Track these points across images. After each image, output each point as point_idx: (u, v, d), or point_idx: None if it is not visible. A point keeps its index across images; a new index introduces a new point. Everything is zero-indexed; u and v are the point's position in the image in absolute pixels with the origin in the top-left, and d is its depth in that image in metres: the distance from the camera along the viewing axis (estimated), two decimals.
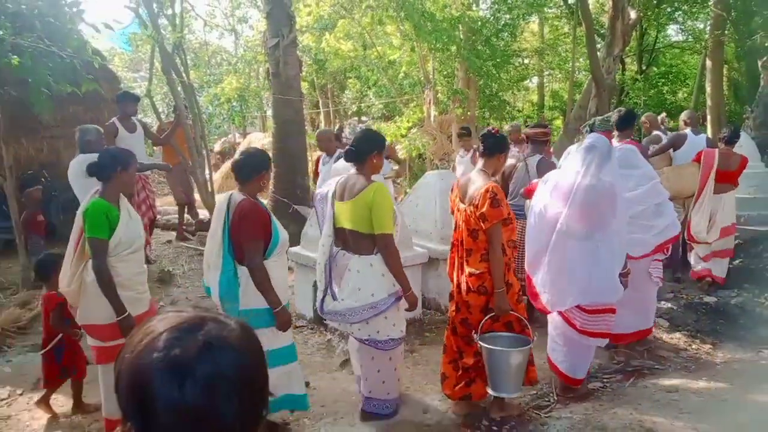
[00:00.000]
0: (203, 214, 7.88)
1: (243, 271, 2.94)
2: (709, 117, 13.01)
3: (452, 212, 3.47)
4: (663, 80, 18.77)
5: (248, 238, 2.91)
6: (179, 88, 7.28)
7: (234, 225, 2.93)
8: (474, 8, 13.19)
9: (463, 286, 3.30)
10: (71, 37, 5.69)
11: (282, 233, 3.08)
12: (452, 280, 3.45)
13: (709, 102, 13.22)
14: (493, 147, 3.34)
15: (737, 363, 4.19)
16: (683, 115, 6.65)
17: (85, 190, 4.71)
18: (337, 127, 20.62)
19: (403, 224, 4.35)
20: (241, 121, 20.14)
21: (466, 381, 3.40)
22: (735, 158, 5.61)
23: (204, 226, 7.72)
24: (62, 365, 3.45)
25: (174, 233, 7.79)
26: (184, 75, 7.28)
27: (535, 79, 21.40)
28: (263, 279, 2.92)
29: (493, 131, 3.44)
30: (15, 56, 5.01)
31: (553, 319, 3.65)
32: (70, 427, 3.40)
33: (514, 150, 7.13)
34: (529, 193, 4.00)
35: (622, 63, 15.25)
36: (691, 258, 5.77)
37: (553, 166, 4.39)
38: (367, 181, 3.15)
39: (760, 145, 8.51)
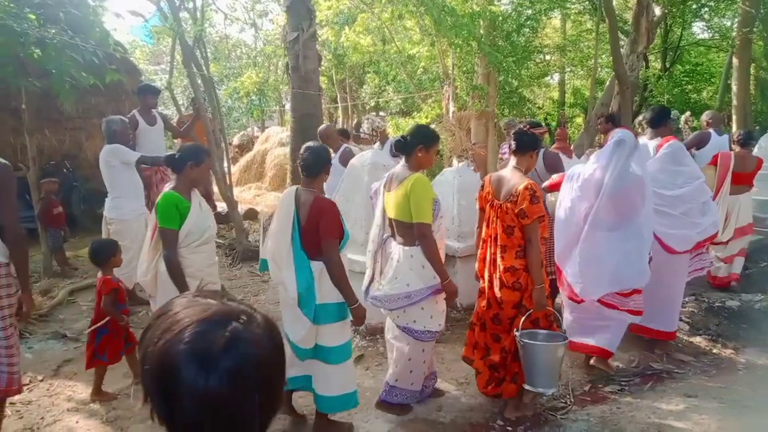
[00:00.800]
0: (221, 206, 7.93)
1: (316, 267, 2.98)
2: (734, 117, 12.74)
3: (482, 209, 3.50)
4: (687, 78, 18.41)
5: (327, 235, 2.94)
6: (199, 81, 7.32)
7: (310, 222, 2.96)
8: (495, 3, 13.04)
9: (496, 282, 3.32)
10: (94, 28, 5.75)
11: (348, 229, 3.16)
12: (482, 277, 3.48)
13: (734, 101, 12.94)
14: (526, 144, 3.38)
15: (760, 368, 4.10)
16: (705, 116, 6.54)
17: (111, 179, 4.80)
18: (354, 121, 20.63)
19: (448, 216, 4.47)
20: (260, 115, 20.25)
21: (496, 380, 3.43)
22: (751, 160, 5.65)
23: (221, 218, 7.78)
24: (97, 348, 3.55)
25: None
26: (204, 68, 7.31)
27: (557, 76, 21.15)
28: (342, 275, 2.97)
29: (525, 129, 3.47)
30: (39, 48, 5.07)
31: (584, 306, 3.74)
32: (89, 415, 3.45)
33: (504, 147, 7.04)
34: (552, 188, 4.03)
35: (645, 60, 15.00)
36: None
37: (557, 157, 4.50)
38: (409, 172, 3.22)
39: None
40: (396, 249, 3.27)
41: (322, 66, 11.83)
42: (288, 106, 15.45)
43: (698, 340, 4.54)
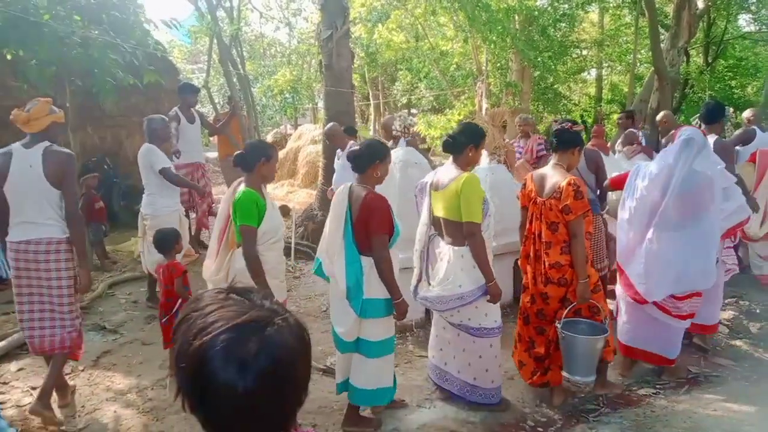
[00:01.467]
0: None
1: (366, 262, 3.02)
2: None
3: (524, 206, 3.55)
4: (731, 73, 17.75)
5: (377, 231, 2.96)
6: (235, 80, 7.45)
7: (361, 217, 2.99)
8: None
9: (540, 278, 3.38)
10: (134, 29, 5.92)
11: (398, 226, 3.16)
12: (525, 272, 3.54)
13: None
14: (568, 142, 3.42)
15: None
16: (747, 113, 6.40)
17: (147, 176, 4.93)
18: (384, 119, 20.64)
19: (497, 215, 4.41)
20: (293, 113, 20.46)
21: (542, 370, 3.50)
22: None
23: None
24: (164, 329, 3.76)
25: None
26: (240, 67, 7.44)
27: (593, 72, 20.68)
28: (389, 271, 2.99)
29: (567, 126, 3.49)
30: (82, 48, 5.25)
31: (639, 310, 3.71)
32: (126, 405, 3.56)
33: (519, 143, 6.91)
34: (614, 185, 4.03)
35: (686, 55, 14.53)
36: (751, 261, 5.59)
37: (599, 155, 4.53)
38: (458, 172, 3.23)
39: None
40: (445, 249, 3.27)
41: (354, 64, 11.87)
42: (321, 104, 15.56)
43: (738, 344, 4.39)
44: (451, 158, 3.35)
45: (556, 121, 6.22)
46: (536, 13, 12.39)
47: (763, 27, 17.88)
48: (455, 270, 3.20)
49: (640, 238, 3.59)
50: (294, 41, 20.47)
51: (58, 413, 3.39)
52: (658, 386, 3.77)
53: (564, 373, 3.35)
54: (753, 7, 16.72)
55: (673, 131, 5.74)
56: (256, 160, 3.11)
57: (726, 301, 5.02)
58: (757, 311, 4.94)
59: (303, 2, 18.68)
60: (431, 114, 16.51)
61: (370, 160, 3.06)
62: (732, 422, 3.23)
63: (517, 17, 12.13)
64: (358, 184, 3.10)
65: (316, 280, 6.03)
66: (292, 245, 6.62)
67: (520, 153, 6.71)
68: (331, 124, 6.27)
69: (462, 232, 3.18)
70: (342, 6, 7.24)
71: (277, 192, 12.01)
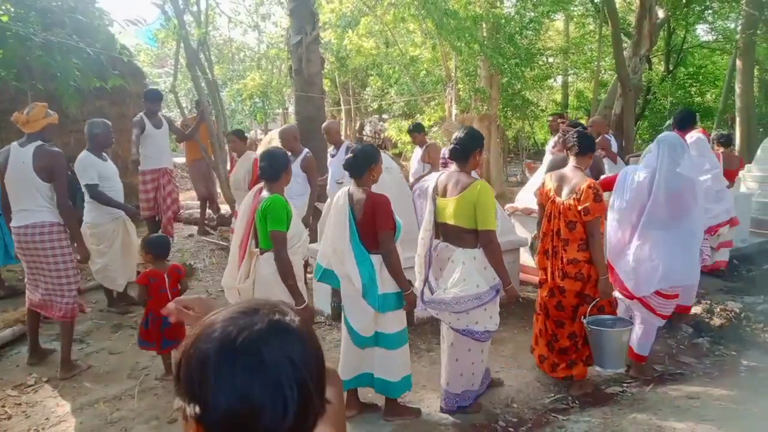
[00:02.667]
0: (225, 209, 7.96)
1: (376, 259, 3.15)
2: (738, 119, 12.72)
3: (541, 205, 3.80)
4: (691, 81, 18.37)
5: (383, 228, 3.11)
6: (203, 84, 7.36)
7: (366, 217, 3.13)
8: (498, 6, 13.05)
9: (558, 272, 3.60)
10: (99, 33, 5.81)
11: (399, 221, 3.28)
12: (543, 268, 3.75)
13: (738, 103, 12.93)
14: (586, 146, 3.66)
15: (762, 371, 4.10)
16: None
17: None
18: (358, 125, 20.63)
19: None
20: (263, 118, 20.29)
21: (567, 363, 3.70)
22: (735, 159, 6.51)
23: (225, 220, 7.81)
24: (164, 334, 3.68)
25: (195, 227, 7.89)
26: (208, 71, 7.36)
27: (560, 79, 21.13)
28: (398, 264, 3.16)
29: (585, 131, 3.74)
30: (44, 52, 5.12)
31: (629, 306, 3.93)
32: (94, 415, 3.48)
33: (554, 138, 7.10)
34: (604, 186, 4.19)
35: (648, 63, 14.97)
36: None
37: (600, 160, 4.80)
38: (470, 179, 3.29)
39: None
40: (458, 251, 3.29)
41: (325, 69, 11.87)
42: (291, 109, 15.49)
43: (701, 342, 4.54)
44: (454, 165, 3.40)
45: (564, 122, 6.39)
46: (503, 21, 12.59)
47: (719, 36, 18.56)
48: (470, 271, 3.24)
49: (629, 237, 3.80)
50: (263, 46, 20.35)
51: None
52: (625, 384, 3.86)
53: (596, 368, 3.60)
54: (709, 18, 17.35)
55: (602, 135, 6.13)
56: (284, 168, 3.20)
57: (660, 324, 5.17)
58: (718, 310, 5.11)
59: (272, 7, 18.53)
60: (402, 119, 16.59)
61: (366, 165, 3.19)
62: (695, 418, 3.34)
63: (484, 25, 12.30)
64: (357, 187, 3.22)
65: None
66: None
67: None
68: (286, 126, 6.20)
69: (469, 236, 3.25)
70: (311, 12, 7.25)
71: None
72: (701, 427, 3.23)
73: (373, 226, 3.11)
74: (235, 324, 0.78)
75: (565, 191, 3.56)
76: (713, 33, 19.07)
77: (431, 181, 3.58)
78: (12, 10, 5.05)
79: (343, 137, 7.62)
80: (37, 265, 3.89)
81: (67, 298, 3.91)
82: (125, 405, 3.59)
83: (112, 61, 6.00)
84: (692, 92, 18.30)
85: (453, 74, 12.76)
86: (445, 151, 7.28)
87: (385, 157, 5.25)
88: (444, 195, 3.38)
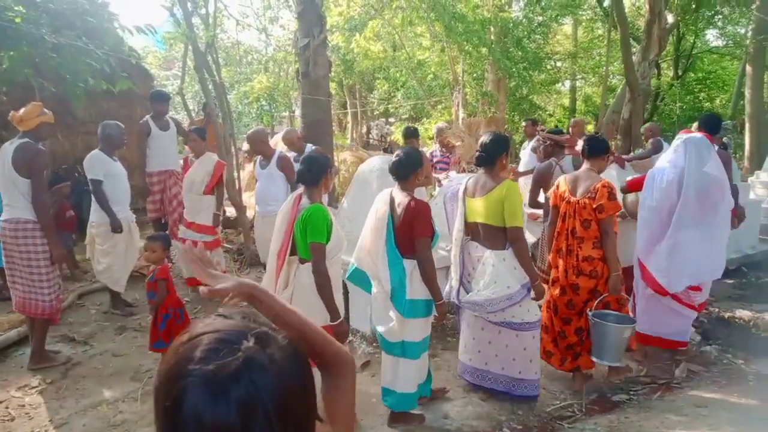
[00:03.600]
0: (230, 211, 7.97)
1: (408, 264, 3.16)
2: (747, 125, 12.63)
3: (555, 206, 3.92)
4: (700, 86, 18.30)
5: (421, 235, 3.10)
6: (210, 87, 7.38)
7: (405, 222, 3.12)
8: (506, 10, 13.04)
9: (572, 270, 3.72)
10: (108, 35, 5.83)
11: (438, 229, 3.29)
12: (555, 267, 3.87)
13: (748, 109, 12.85)
14: (598, 149, 3.82)
15: None
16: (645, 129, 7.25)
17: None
18: (364, 128, 20.65)
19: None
20: (270, 121, 20.36)
21: (572, 355, 3.83)
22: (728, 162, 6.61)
23: (230, 223, 7.81)
24: (161, 334, 3.67)
25: None
26: (215, 74, 7.38)
27: (567, 83, 21.08)
28: (432, 272, 3.14)
29: (597, 135, 3.90)
30: (54, 53, 5.15)
31: (656, 300, 4.07)
32: (96, 418, 3.47)
33: (530, 143, 7.23)
34: (632, 187, 4.39)
35: (657, 68, 14.91)
36: None
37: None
38: (498, 179, 3.41)
39: None
40: (486, 254, 3.41)
41: (332, 72, 11.88)
42: (298, 112, 15.51)
43: (708, 350, 4.48)
44: (482, 169, 3.51)
45: (543, 129, 6.45)
46: (511, 25, 12.58)
47: (729, 42, 18.46)
48: (501, 272, 3.35)
49: (659, 235, 3.97)
50: (270, 49, 20.41)
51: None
52: (631, 392, 3.82)
53: (594, 358, 3.66)
54: (719, 23, 17.27)
55: (574, 136, 6.25)
56: (325, 172, 3.11)
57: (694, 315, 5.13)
58: (726, 318, 5.05)
59: (280, 10, 18.60)
60: (409, 123, 16.59)
61: (412, 168, 3.20)
62: (703, 426, 3.29)
63: (492, 29, 12.29)
64: (400, 190, 3.23)
65: None
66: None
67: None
68: (255, 128, 5.85)
69: (499, 235, 3.38)
70: (319, 15, 7.25)
71: (253, 200, 11.89)
72: None
73: (411, 231, 3.11)
74: (211, 358, 0.74)
75: (579, 191, 3.73)
76: (723, 38, 18.98)
77: (461, 184, 3.68)
78: (24, 12, 5.08)
79: (349, 141, 7.58)
80: (13, 261, 3.91)
81: (48, 297, 3.93)
82: (128, 408, 3.58)
83: (121, 63, 6.02)
84: (701, 98, 18.22)
85: (460, 78, 12.74)
86: (434, 153, 7.31)
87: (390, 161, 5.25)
88: (473, 196, 3.50)
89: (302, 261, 3.08)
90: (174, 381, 0.74)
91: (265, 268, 5.09)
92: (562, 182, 3.89)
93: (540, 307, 3.82)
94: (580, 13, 16.28)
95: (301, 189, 3.16)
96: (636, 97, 10.13)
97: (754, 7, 12.58)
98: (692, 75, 18.11)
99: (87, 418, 3.46)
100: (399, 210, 3.16)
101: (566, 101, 21.87)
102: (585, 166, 3.85)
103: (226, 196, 6.11)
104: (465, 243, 3.57)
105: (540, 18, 13.75)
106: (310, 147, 5.72)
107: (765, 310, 5.26)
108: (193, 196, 5.40)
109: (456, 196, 3.67)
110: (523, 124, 8.75)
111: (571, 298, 3.75)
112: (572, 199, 3.74)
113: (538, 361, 3.62)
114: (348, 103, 19.94)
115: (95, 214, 4.90)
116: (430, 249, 3.15)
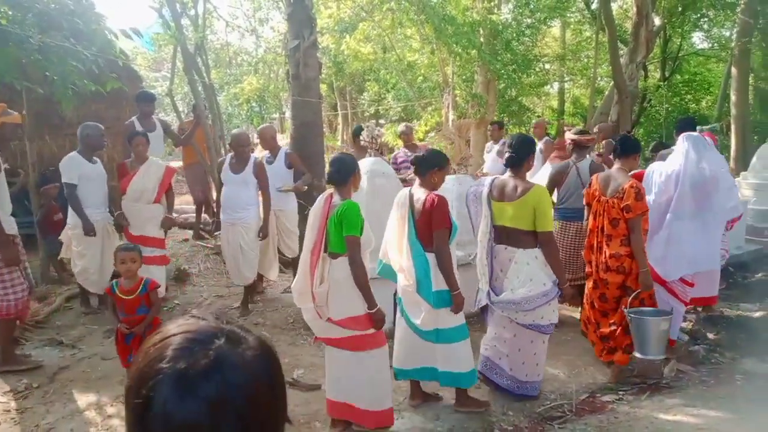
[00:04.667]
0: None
1: (431, 257, 3.29)
2: (733, 126, 12.78)
3: (588, 204, 4.10)
4: (687, 88, 18.47)
5: (439, 226, 3.25)
6: (200, 88, 7.35)
7: (424, 215, 3.28)
8: (495, 12, 13.10)
9: (602, 266, 3.89)
10: (96, 36, 5.78)
11: (456, 223, 3.42)
12: (589, 262, 4.06)
13: (733, 111, 12.99)
14: (630, 148, 3.97)
15: (758, 378, 4.09)
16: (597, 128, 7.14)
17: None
18: (355, 127, 20.71)
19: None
20: (260, 122, 20.29)
21: (608, 349, 3.98)
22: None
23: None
24: (131, 346, 3.50)
25: (191, 232, 7.85)
26: (204, 75, 7.34)
27: (556, 85, 21.21)
28: (449, 263, 3.29)
29: (628, 134, 4.08)
30: (41, 55, 5.10)
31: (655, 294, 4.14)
32: (84, 422, 3.44)
33: (494, 146, 7.43)
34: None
35: (644, 70, 15.04)
36: None
37: (602, 168, 4.82)
38: (528, 183, 3.54)
39: None
40: (519, 252, 3.50)
41: (322, 74, 11.87)
42: (288, 114, 15.49)
43: (696, 350, 4.52)
44: (508, 171, 3.62)
45: (568, 129, 6.57)
46: (500, 27, 12.64)
47: (715, 44, 18.68)
48: (535, 270, 3.46)
49: (657, 226, 4.19)
50: (261, 50, 20.35)
51: None
52: (621, 392, 3.85)
53: (638, 355, 3.79)
54: (705, 26, 17.46)
55: (545, 139, 6.63)
56: (353, 171, 3.24)
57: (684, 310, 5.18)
58: (713, 317, 5.10)
59: (270, 12, 18.55)
60: (399, 124, 16.61)
61: (431, 166, 3.38)
62: (691, 427, 3.32)
63: (482, 31, 12.34)
64: (419, 187, 3.40)
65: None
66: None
67: None
68: (266, 125, 5.99)
69: (527, 238, 3.48)
70: (309, 16, 7.23)
71: None
72: None
73: (430, 224, 3.25)
74: (181, 356, 0.74)
75: (609, 190, 3.88)
76: (709, 41, 19.20)
77: (483, 185, 3.75)
78: (9, 13, 5.03)
79: (339, 142, 7.55)
80: None
81: (4, 297, 3.85)
82: (117, 412, 3.55)
83: (109, 65, 5.96)
84: (688, 99, 18.40)
85: (450, 80, 12.78)
86: (399, 154, 7.31)
87: (383, 164, 5.25)
88: (501, 199, 3.58)
89: (334, 256, 3.17)
90: (144, 380, 0.74)
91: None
92: (594, 181, 4.07)
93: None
94: (569, 15, 16.38)
95: (330, 190, 3.28)
96: (624, 98, 10.23)
97: (738, 10, 12.74)
98: (679, 77, 18.28)
99: (74, 423, 3.42)
100: (418, 205, 3.32)
101: (555, 103, 21.99)
102: (616, 165, 3.99)
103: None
104: (491, 246, 3.63)
105: (529, 20, 13.83)
106: (284, 150, 5.67)
107: (751, 309, 5.33)
108: (140, 206, 4.95)
109: (478, 198, 3.73)
110: (489, 127, 8.95)
111: (603, 292, 3.95)
112: (602, 198, 3.91)
113: (543, 363, 3.72)
114: (338, 104, 19.94)
115: (72, 217, 4.89)
116: (446, 241, 3.29)
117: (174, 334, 0.78)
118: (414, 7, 11.09)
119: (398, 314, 3.53)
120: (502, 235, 3.60)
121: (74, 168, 4.82)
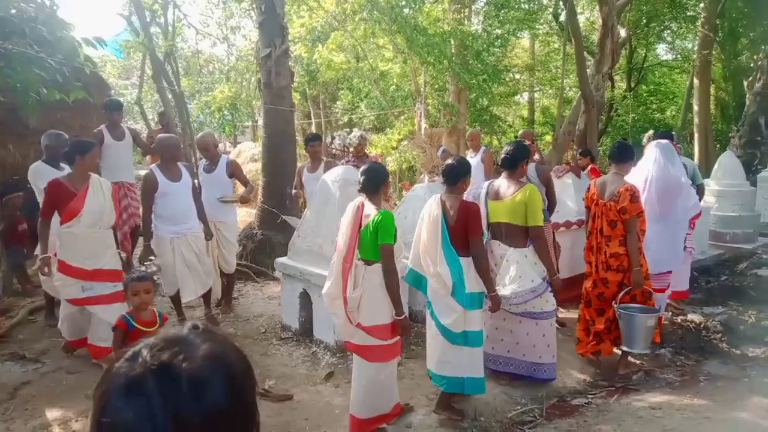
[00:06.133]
0: None
1: (464, 262, 3.42)
2: (696, 135, 13.18)
3: (588, 207, 4.36)
4: (651, 98, 19.03)
5: (475, 233, 3.41)
6: (170, 96, 7.26)
7: (458, 222, 3.40)
8: (466, 23, 13.29)
9: (602, 265, 4.15)
10: (62, 43, 5.66)
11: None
12: (588, 262, 4.29)
13: (696, 120, 13.41)
14: (626, 155, 4.24)
15: (721, 380, 4.21)
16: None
17: (37, 195, 4.71)
18: (329, 138, 20.67)
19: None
20: (232, 130, 20.11)
21: (596, 341, 4.24)
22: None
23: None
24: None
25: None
26: (174, 83, 7.26)
27: (526, 95, 21.59)
28: (487, 268, 3.51)
29: (625, 142, 4.36)
30: (3, 62, 4.97)
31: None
32: None
33: (471, 154, 7.44)
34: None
35: (611, 80, 15.43)
36: None
37: (548, 170, 5.27)
38: (519, 184, 3.84)
39: (745, 164, 8.63)
40: (510, 251, 3.81)
41: (294, 82, 11.85)
42: (261, 122, 15.39)
43: (662, 353, 4.63)
44: (505, 173, 3.92)
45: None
46: (470, 38, 12.83)
47: (678, 56, 19.28)
48: (524, 268, 3.75)
49: None
50: (233, 58, 20.21)
51: None
52: (590, 396, 3.92)
53: (624, 348, 4.08)
54: (669, 38, 18.02)
55: (483, 148, 6.82)
56: (384, 181, 3.29)
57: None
58: (679, 320, 5.24)
59: (241, 20, 18.46)
60: (372, 133, 16.66)
61: (461, 175, 3.52)
62: (658, 428, 3.39)
63: (452, 41, 12.50)
64: (450, 194, 3.52)
65: (254, 302, 5.90)
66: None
67: None
68: (206, 131, 5.93)
69: (521, 234, 3.77)
70: (280, 25, 7.23)
71: None
72: None
73: (465, 231, 3.40)
74: (137, 363, 0.75)
75: (606, 194, 4.13)
76: (672, 52, 19.82)
77: (481, 188, 4.07)
78: None
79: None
80: None
81: None
82: (82, 427, 3.46)
83: (75, 72, 5.85)
84: (653, 109, 18.94)
85: (422, 89, 12.89)
86: (350, 158, 7.32)
87: (355, 172, 5.25)
88: (496, 198, 3.90)
89: (369, 263, 3.23)
90: (100, 386, 0.76)
91: (171, 301, 4.96)
92: (592, 185, 4.34)
93: (556, 297, 4.10)
94: (537, 27, 16.73)
95: (361, 198, 3.32)
96: (591, 108, 10.46)
97: (698, 23, 13.19)
98: (644, 87, 18.82)
99: None
100: (452, 212, 3.44)
101: (525, 112, 22.38)
102: (613, 170, 4.26)
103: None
104: (488, 242, 3.87)
105: (498, 31, 14.08)
106: (225, 158, 5.60)
107: (714, 312, 5.48)
108: (98, 233, 4.10)
109: (477, 199, 3.97)
110: (468, 135, 9.07)
111: (602, 291, 4.17)
112: (600, 201, 4.18)
113: (555, 346, 3.92)
114: (312, 113, 19.90)
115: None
116: (482, 246, 3.48)
117: (143, 345, 0.78)
118: (386, 18, 11.17)
119: (428, 318, 3.60)
120: (498, 232, 3.91)
121: (39, 178, 4.71)
